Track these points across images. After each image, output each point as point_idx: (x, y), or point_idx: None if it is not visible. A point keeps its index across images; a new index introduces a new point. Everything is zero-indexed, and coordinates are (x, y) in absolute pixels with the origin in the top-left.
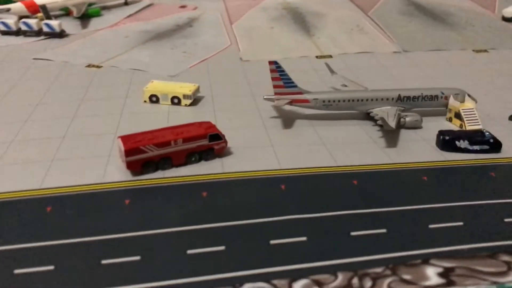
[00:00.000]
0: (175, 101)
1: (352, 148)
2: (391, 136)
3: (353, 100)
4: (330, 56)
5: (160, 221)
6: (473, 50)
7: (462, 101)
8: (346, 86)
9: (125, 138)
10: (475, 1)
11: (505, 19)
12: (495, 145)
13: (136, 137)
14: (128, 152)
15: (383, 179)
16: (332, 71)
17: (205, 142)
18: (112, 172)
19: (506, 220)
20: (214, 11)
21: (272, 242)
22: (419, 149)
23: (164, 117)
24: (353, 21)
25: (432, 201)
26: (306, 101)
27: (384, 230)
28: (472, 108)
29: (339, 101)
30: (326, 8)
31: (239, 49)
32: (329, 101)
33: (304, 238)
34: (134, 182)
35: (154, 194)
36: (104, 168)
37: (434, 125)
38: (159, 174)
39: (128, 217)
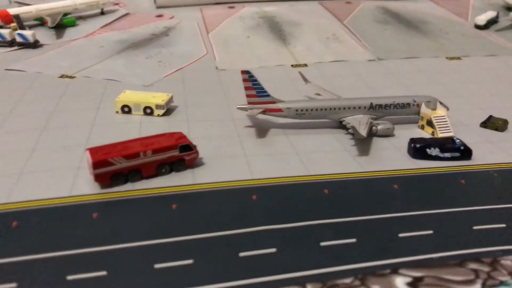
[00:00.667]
0: (148, 111)
1: (324, 156)
2: (363, 144)
3: (325, 109)
4: (306, 65)
5: (128, 234)
6: (446, 58)
7: (434, 109)
8: (319, 94)
9: (93, 150)
10: (449, 9)
11: (478, 26)
12: (466, 153)
13: (104, 149)
14: (95, 165)
15: (354, 188)
16: (306, 80)
17: (175, 153)
18: (80, 185)
19: (475, 227)
20: (190, 20)
21: (241, 254)
22: (391, 157)
23: (136, 128)
24: (329, 29)
25: (402, 210)
26: (279, 110)
27: (353, 240)
28: (444, 116)
29: (311, 110)
30: (303, 17)
31: (215, 58)
32: (302, 110)
33: (273, 250)
34: (103, 195)
35: (123, 207)
36: (73, 181)
37: (406, 133)
38: (128, 186)
39: (96, 231)
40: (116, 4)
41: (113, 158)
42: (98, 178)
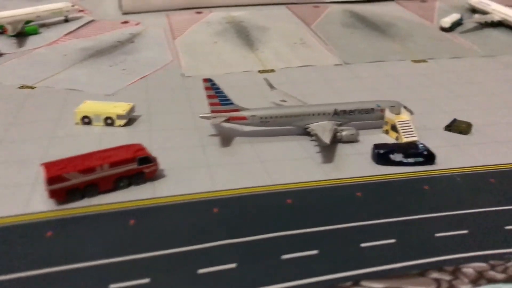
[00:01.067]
0: (109, 121)
1: (289, 165)
2: (327, 151)
3: (290, 116)
4: (273, 70)
5: (83, 254)
6: (413, 61)
7: (398, 113)
8: (285, 101)
9: (48, 165)
10: (415, 12)
11: (443, 29)
12: (429, 157)
13: (59, 164)
14: (50, 181)
15: (317, 197)
16: (271, 86)
17: (134, 166)
18: (35, 201)
19: (437, 235)
20: (157, 26)
21: (200, 271)
22: (355, 163)
23: (97, 140)
24: (296, 34)
25: (365, 218)
26: (244, 118)
27: (316, 252)
28: (408, 120)
29: (276, 117)
30: (270, 22)
31: (181, 64)
32: (266, 117)
33: (233, 265)
34: (58, 212)
35: (78, 225)
36: (28, 198)
37: (371, 138)
38: (85, 202)
39: (49, 251)
40: (80, 11)
41: (68, 173)
42: (53, 194)
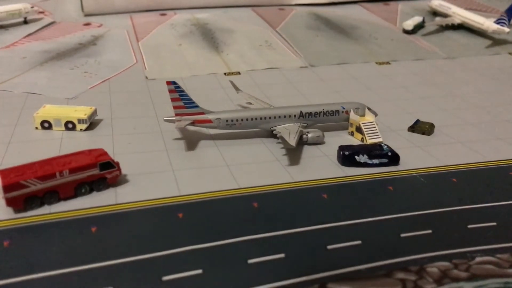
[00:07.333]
0: (70, 126)
1: (255, 168)
2: (294, 153)
3: (256, 119)
4: (238, 73)
5: (42, 263)
6: (376, 63)
7: (363, 115)
8: (251, 104)
9: (4, 172)
10: (379, 15)
11: (406, 31)
12: (393, 158)
13: (17, 170)
14: (6, 188)
15: (283, 200)
16: (237, 89)
17: (95, 171)
18: None
19: (402, 235)
20: (120, 28)
21: (165, 278)
22: (321, 165)
23: (57, 145)
24: (262, 37)
25: (331, 220)
26: (209, 121)
27: (282, 255)
28: (372, 121)
29: (242, 120)
30: (236, 24)
31: (145, 67)
32: (232, 120)
33: (199, 271)
34: (16, 220)
35: (38, 233)
36: None
37: (337, 140)
38: (45, 209)
39: (6, 262)
40: (41, 12)
41: (26, 180)
42: (10, 202)
